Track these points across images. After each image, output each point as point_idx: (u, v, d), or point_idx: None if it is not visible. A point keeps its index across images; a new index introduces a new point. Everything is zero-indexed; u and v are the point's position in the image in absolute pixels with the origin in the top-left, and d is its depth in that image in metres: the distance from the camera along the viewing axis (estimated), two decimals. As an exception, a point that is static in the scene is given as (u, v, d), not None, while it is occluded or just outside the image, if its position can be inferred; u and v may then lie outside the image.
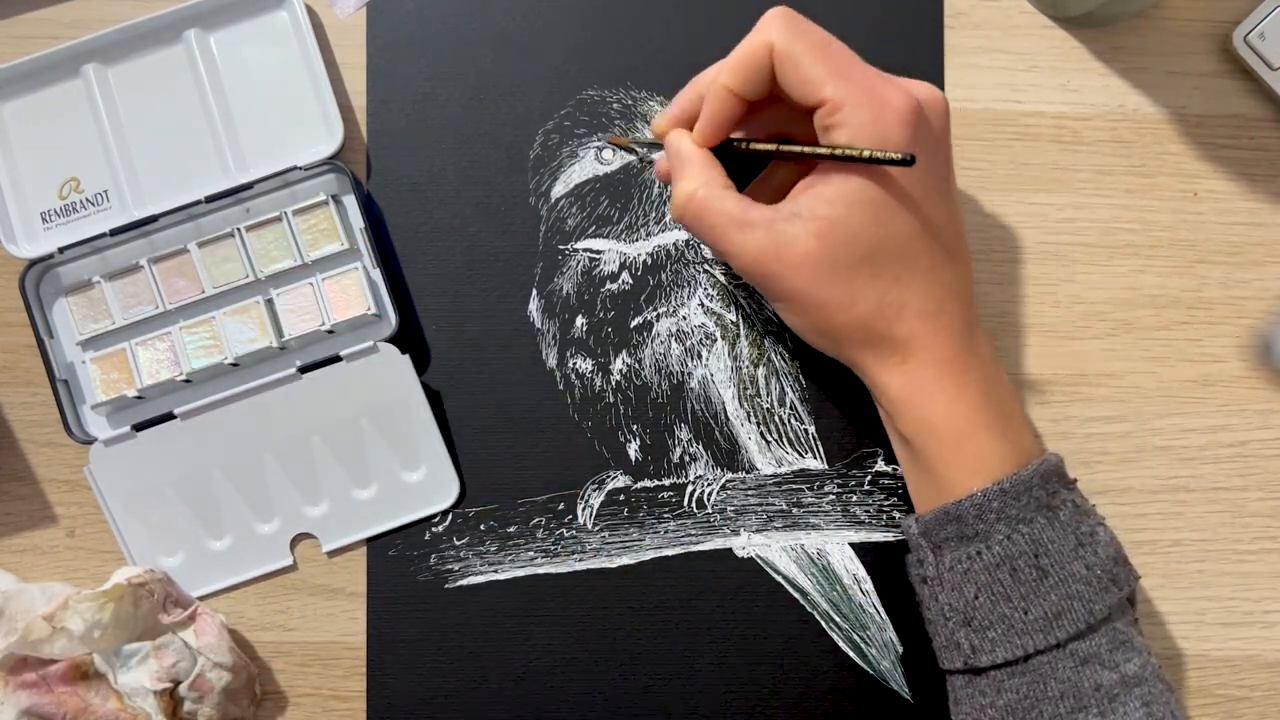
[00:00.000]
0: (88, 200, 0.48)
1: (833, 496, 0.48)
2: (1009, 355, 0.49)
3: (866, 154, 0.38)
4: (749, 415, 0.49)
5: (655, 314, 0.49)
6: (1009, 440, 0.41)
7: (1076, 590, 0.39)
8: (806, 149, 0.40)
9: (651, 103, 0.49)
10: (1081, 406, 0.49)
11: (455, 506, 0.49)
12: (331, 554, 0.49)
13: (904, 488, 0.48)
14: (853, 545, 0.48)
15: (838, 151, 0.39)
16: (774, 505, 0.48)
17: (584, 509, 0.49)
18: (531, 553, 0.48)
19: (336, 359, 0.48)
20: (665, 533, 0.49)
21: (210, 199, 0.48)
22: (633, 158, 0.49)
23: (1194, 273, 0.49)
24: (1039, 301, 0.49)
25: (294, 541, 0.49)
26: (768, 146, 0.42)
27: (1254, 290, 0.49)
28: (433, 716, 0.48)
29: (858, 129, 0.38)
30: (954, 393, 0.40)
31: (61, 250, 0.48)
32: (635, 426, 0.49)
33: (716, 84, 0.41)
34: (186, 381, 0.48)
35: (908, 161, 0.38)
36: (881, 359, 0.41)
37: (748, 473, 0.49)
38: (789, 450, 0.49)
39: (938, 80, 0.49)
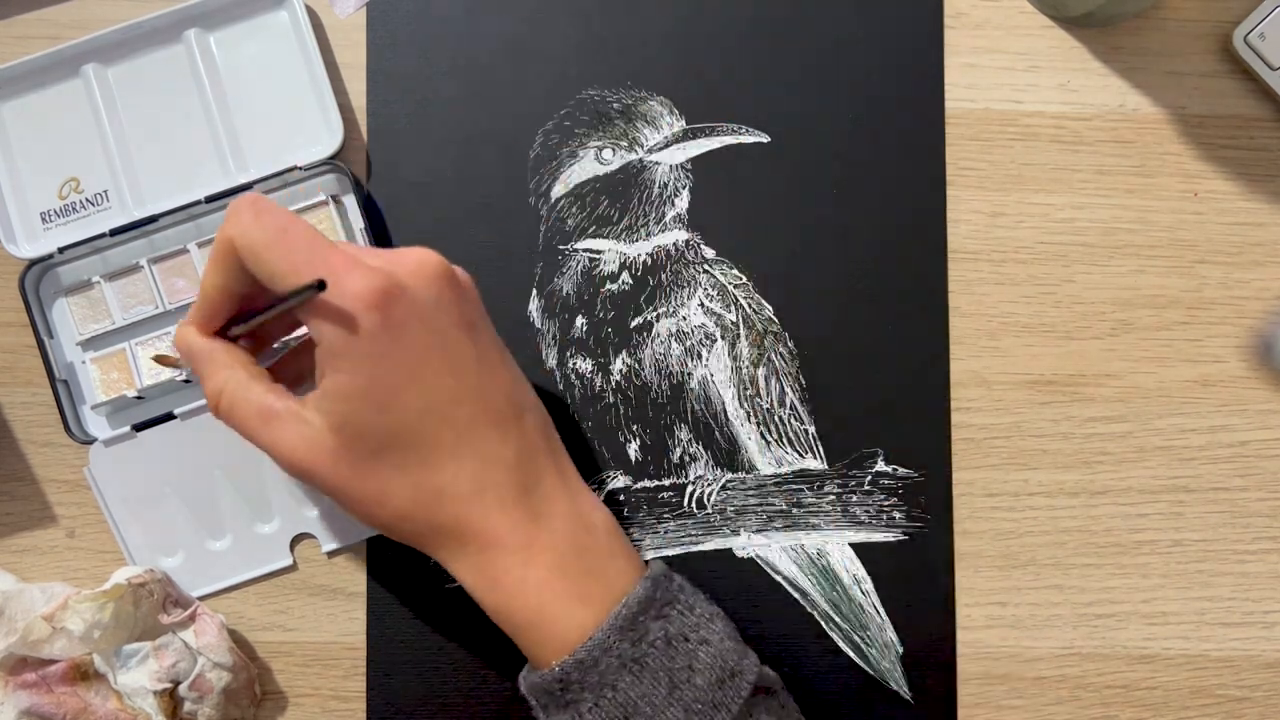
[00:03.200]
0: (88, 200, 0.48)
1: (833, 496, 0.48)
2: (1009, 355, 0.49)
3: (280, 299, 0.37)
4: (749, 415, 0.49)
5: (655, 314, 0.49)
6: (593, 604, 0.39)
7: None
8: (259, 317, 0.40)
9: (651, 102, 0.49)
10: (1081, 406, 0.49)
11: (455, 506, 0.48)
12: (331, 554, 0.49)
13: (904, 488, 0.48)
14: (853, 545, 0.48)
15: (258, 312, 0.38)
16: (774, 505, 0.48)
17: (584, 509, 0.49)
18: (531, 553, 0.48)
19: (336, 359, 0.48)
20: (665, 533, 0.49)
21: (210, 199, 0.48)
22: (633, 157, 0.49)
23: (1194, 273, 0.49)
24: (1039, 301, 0.49)
25: (294, 541, 0.49)
26: (241, 329, 0.41)
27: (1254, 290, 0.49)
28: (433, 716, 0.48)
29: (324, 321, 0.37)
30: (519, 573, 0.39)
31: (61, 250, 0.48)
32: (635, 426, 0.49)
33: (202, 282, 0.40)
34: (186, 381, 0.48)
35: (315, 287, 0.35)
36: (444, 548, 0.40)
37: (748, 473, 0.49)
38: (789, 450, 0.49)
39: (937, 80, 0.49)
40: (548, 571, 0.39)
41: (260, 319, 0.40)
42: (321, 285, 0.36)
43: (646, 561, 0.42)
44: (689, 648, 0.39)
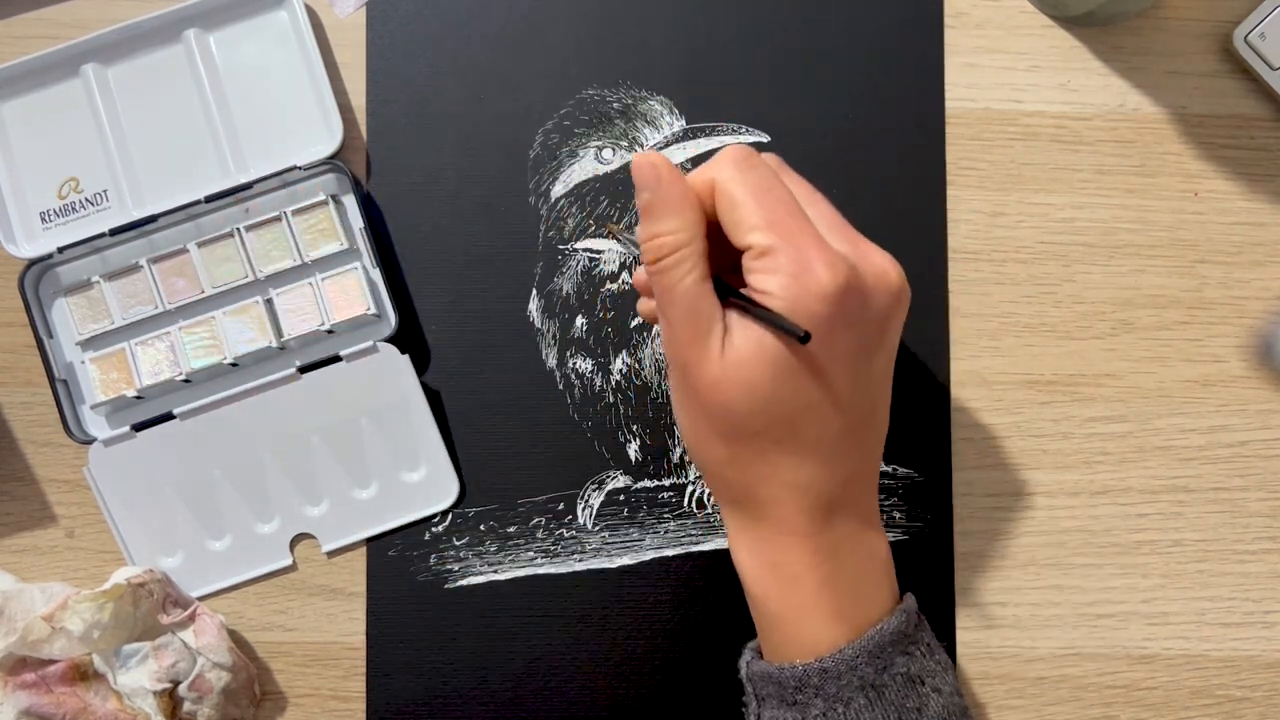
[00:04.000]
0: (87, 200, 0.48)
1: (833, 496, 0.48)
2: (1009, 355, 0.49)
3: (769, 315, 0.37)
4: (749, 415, 0.48)
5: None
6: (847, 621, 0.39)
7: None
8: (744, 297, 0.39)
9: (651, 102, 0.49)
10: (1081, 406, 0.49)
11: (455, 507, 0.49)
12: (331, 554, 0.49)
13: (904, 488, 0.48)
14: (853, 545, 0.48)
15: (748, 303, 0.37)
16: (774, 505, 0.48)
17: (584, 509, 0.49)
18: (531, 553, 0.48)
19: (336, 359, 0.48)
20: (665, 533, 0.49)
21: (210, 199, 0.48)
22: (633, 157, 0.49)
23: (1194, 273, 0.49)
24: (1039, 301, 0.49)
25: (294, 541, 0.49)
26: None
27: (1254, 290, 0.49)
28: (433, 716, 0.48)
29: (777, 281, 0.36)
30: (796, 570, 0.39)
31: (61, 250, 0.48)
32: (635, 426, 0.49)
33: (652, 227, 0.39)
34: (186, 381, 0.48)
35: (800, 336, 0.36)
36: (742, 513, 0.40)
37: (748, 473, 0.48)
38: (789, 450, 0.49)
39: (937, 80, 0.49)
40: (822, 580, 0.39)
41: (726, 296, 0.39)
42: (806, 338, 0.36)
43: (901, 595, 0.42)
44: (923, 691, 0.39)
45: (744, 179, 0.38)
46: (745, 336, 0.37)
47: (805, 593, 0.39)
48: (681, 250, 0.38)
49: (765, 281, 0.37)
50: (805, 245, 0.37)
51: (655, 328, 0.49)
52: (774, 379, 0.37)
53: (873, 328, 0.38)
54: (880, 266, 0.38)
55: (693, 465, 0.49)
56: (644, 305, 0.44)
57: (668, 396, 0.49)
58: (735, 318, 0.37)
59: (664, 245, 0.38)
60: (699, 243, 0.38)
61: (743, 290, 0.38)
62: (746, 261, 0.37)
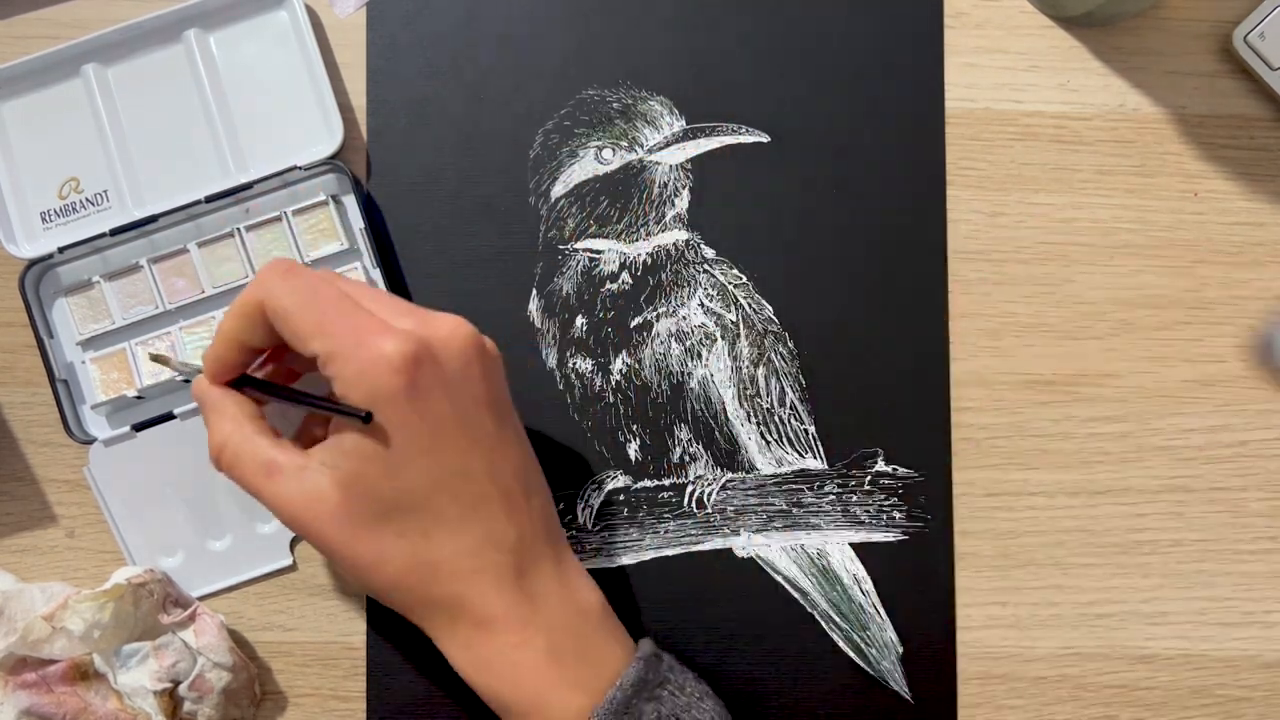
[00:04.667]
0: (87, 200, 0.48)
1: (833, 496, 0.48)
2: (1009, 355, 0.49)
3: (333, 405, 0.37)
4: (749, 415, 0.49)
5: (655, 314, 0.49)
6: (586, 689, 0.39)
7: None
8: (298, 394, 0.40)
9: (651, 102, 0.49)
10: (1081, 406, 0.49)
11: (455, 506, 0.48)
12: (331, 554, 0.49)
13: (904, 488, 0.48)
14: (853, 545, 0.48)
15: (319, 402, 0.38)
16: (774, 505, 0.48)
17: (584, 509, 0.49)
18: (531, 553, 0.48)
19: (336, 359, 0.48)
20: (665, 533, 0.49)
21: (210, 199, 0.48)
22: (633, 157, 0.49)
23: (1194, 273, 0.49)
24: (1039, 301, 0.49)
25: (294, 541, 0.49)
26: (256, 394, 0.41)
27: (1254, 290, 0.49)
28: (433, 716, 0.48)
29: (348, 383, 0.37)
30: (513, 656, 0.39)
31: (61, 250, 0.48)
32: (635, 426, 0.49)
33: (219, 327, 0.40)
34: (186, 381, 0.48)
35: (363, 417, 0.36)
36: (435, 622, 0.39)
37: (748, 473, 0.49)
38: (789, 450, 0.49)
39: (937, 80, 0.49)
40: (542, 656, 0.39)
41: (287, 397, 0.41)
42: (368, 417, 0.36)
43: (637, 641, 0.42)
44: None
45: (288, 290, 0.38)
46: (344, 455, 0.38)
47: (530, 674, 0.38)
48: (229, 451, 0.39)
49: (340, 385, 0.37)
50: (363, 332, 0.37)
51: (656, 328, 0.49)
52: (387, 473, 0.38)
53: (464, 389, 0.39)
54: (447, 327, 0.39)
55: (747, 510, 0.49)
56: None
57: (668, 396, 0.49)
58: (323, 452, 0.38)
59: (225, 449, 0.40)
60: (245, 425, 0.40)
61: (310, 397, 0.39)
62: (321, 370, 0.38)
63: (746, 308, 0.49)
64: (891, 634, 0.48)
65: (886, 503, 0.48)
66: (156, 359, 0.45)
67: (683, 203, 0.49)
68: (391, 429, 0.37)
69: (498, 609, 0.39)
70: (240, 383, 0.41)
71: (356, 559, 0.38)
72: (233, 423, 0.40)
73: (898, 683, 0.48)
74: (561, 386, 0.49)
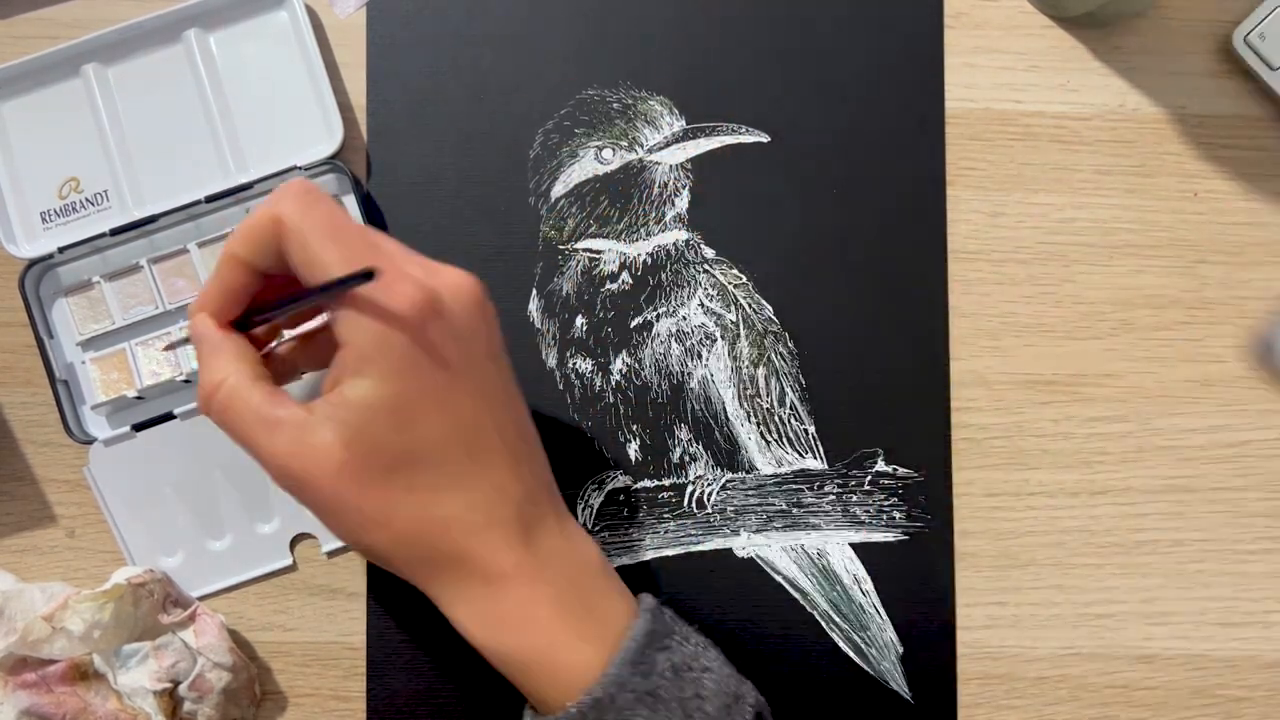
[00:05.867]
0: (87, 200, 0.48)
1: (833, 496, 0.48)
2: (1009, 355, 0.49)
3: (338, 281, 0.35)
4: (749, 415, 0.49)
5: (655, 314, 0.49)
6: (595, 641, 0.38)
7: None
8: (293, 305, 0.37)
9: (651, 102, 0.49)
10: (1081, 406, 0.49)
11: (455, 506, 0.48)
12: (331, 554, 0.49)
13: (904, 488, 0.48)
14: (853, 545, 0.48)
15: (325, 287, 0.36)
16: (774, 505, 0.48)
17: (584, 509, 0.49)
18: (531, 553, 0.48)
19: (336, 359, 0.48)
20: (665, 533, 0.49)
21: (210, 199, 0.48)
22: (633, 157, 0.49)
23: (1194, 273, 0.49)
24: (1039, 301, 0.49)
25: (294, 541, 0.49)
26: (268, 317, 0.39)
27: (1254, 290, 0.49)
28: (432, 716, 0.48)
29: (359, 321, 0.35)
30: (521, 612, 0.38)
31: (61, 250, 0.48)
32: (635, 426, 0.49)
33: (225, 250, 0.38)
34: (186, 381, 0.48)
35: (367, 275, 0.34)
36: (441, 580, 0.38)
37: (748, 473, 0.49)
38: (789, 450, 0.49)
39: (937, 80, 0.49)
40: (551, 609, 0.38)
41: (294, 308, 0.38)
42: (370, 275, 0.34)
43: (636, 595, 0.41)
44: (694, 676, 0.38)
45: (310, 214, 0.36)
46: (349, 408, 0.36)
47: (542, 629, 0.38)
48: (224, 391, 0.37)
49: (348, 321, 0.36)
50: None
51: (656, 328, 0.49)
52: (397, 426, 0.36)
53: (472, 342, 0.38)
54: (454, 278, 0.38)
55: (746, 510, 0.49)
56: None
57: (668, 396, 0.49)
58: (327, 405, 0.36)
59: (218, 390, 0.37)
60: (241, 367, 0.37)
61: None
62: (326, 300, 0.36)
63: (746, 308, 0.49)
64: (891, 634, 0.48)
65: (886, 503, 0.48)
66: (171, 348, 0.44)
67: (683, 203, 0.49)
68: (404, 378, 0.36)
69: (507, 564, 0.38)
70: (241, 324, 0.39)
71: (361, 515, 0.37)
72: (232, 364, 0.37)
73: (898, 683, 0.48)
74: (561, 386, 0.49)
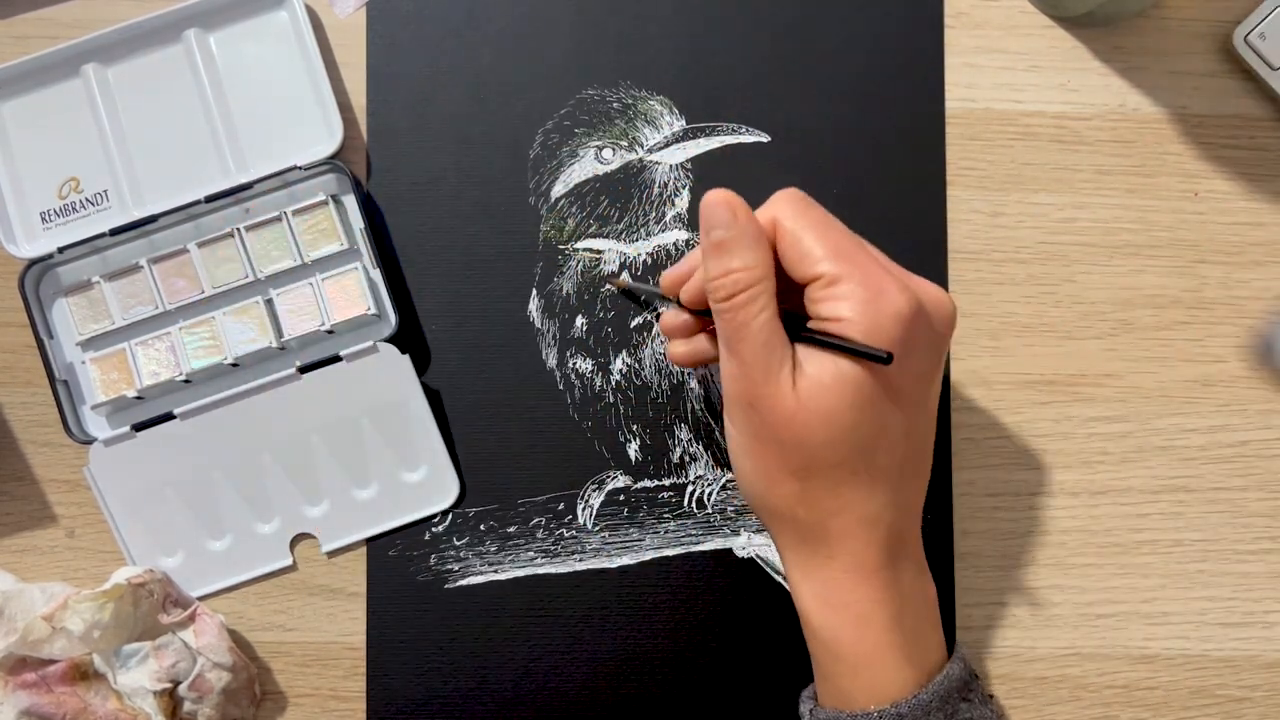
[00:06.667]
0: (87, 200, 0.48)
1: (833, 496, 0.48)
2: (1009, 355, 0.49)
3: (847, 342, 0.37)
4: (749, 415, 0.48)
5: (655, 314, 0.49)
6: (915, 665, 0.40)
7: None
8: (812, 325, 0.39)
9: (651, 102, 0.49)
10: (1081, 406, 0.49)
11: (455, 507, 0.49)
12: (331, 554, 0.49)
13: (904, 488, 0.48)
14: (853, 545, 0.48)
15: (829, 335, 0.37)
16: (774, 505, 0.48)
17: (584, 509, 0.49)
18: (531, 553, 0.48)
19: (336, 359, 0.48)
20: (665, 533, 0.49)
21: (210, 199, 0.48)
22: (633, 157, 0.49)
23: (1194, 273, 0.49)
24: (1039, 301, 0.49)
25: (294, 541, 0.49)
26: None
27: (1254, 290, 0.49)
28: (433, 716, 0.48)
29: (852, 306, 0.37)
30: (866, 609, 0.39)
31: (61, 250, 0.48)
32: (635, 426, 0.49)
33: (720, 248, 0.39)
34: (186, 381, 0.48)
35: (884, 359, 0.36)
36: (805, 550, 0.40)
37: (748, 473, 0.48)
38: (789, 450, 0.49)
39: (937, 80, 0.49)
40: (892, 619, 0.39)
41: (812, 335, 0.39)
42: (889, 358, 0.36)
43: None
44: None
45: (805, 215, 0.39)
46: (820, 368, 0.37)
47: (876, 634, 0.39)
48: (756, 286, 0.38)
49: (838, 308, 0.37)
50: (873, 272, 0.37)
51: (656, 328, 0.49)
52: (853, 406, 0.37)
53: (934, 354, 0.39)
54: (937, 295, 0.39)
55: (750, 510, 0.48)
56: (678, 349, 0.44)
57: (668, 396, 0.49)
58: (804, 351, 0.38)
59: (739, 281, 0.38)
60: (771, 280, 0.38)
61: (811, 322, 0.38)
62: (814, 292, 0.38)
63: (746, 308, 0.49)
64: (892, 634, 0.48)
65: (886, 503, 0.48)
66: (614, 283, 0.46)
67: (683, 203, 0.49)
68: (876, 370, 0.37)
69: (872, 564, 0.39)
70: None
71: (785, 458, 0.38)
72: (770, 266, 0.38)
73: (898, 683, 0.48)
74: (561, 386, 0.49)
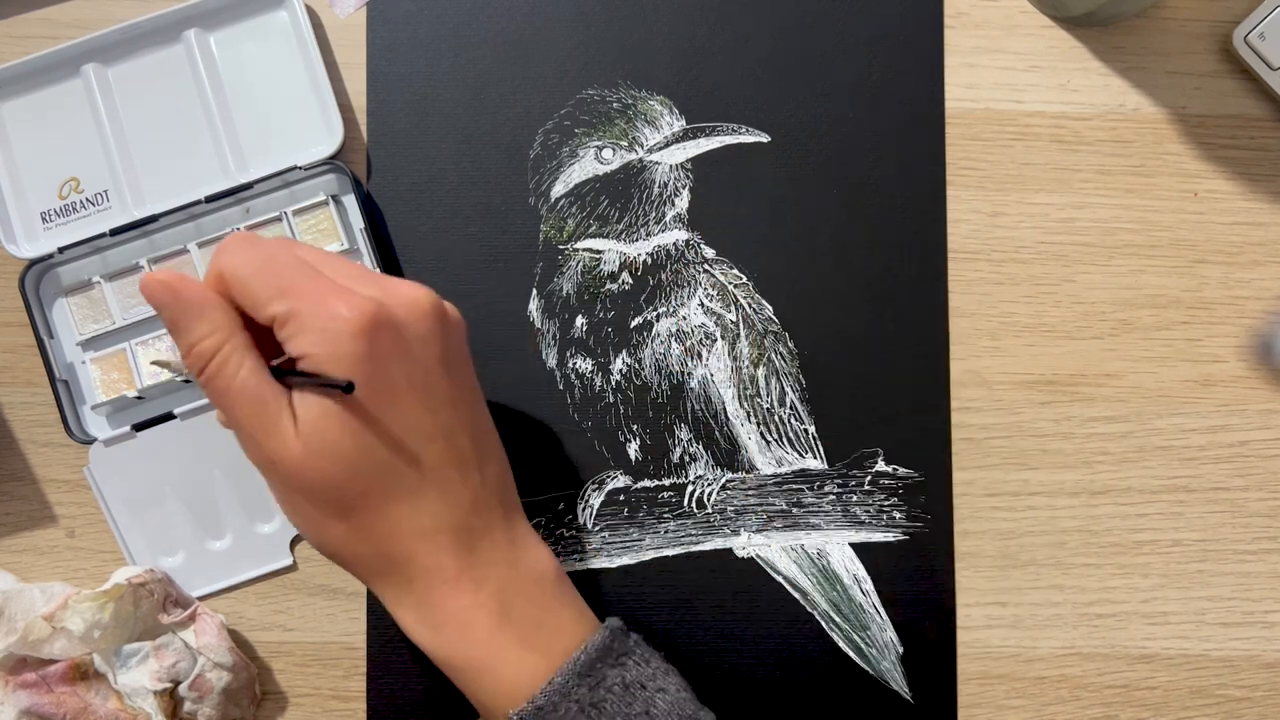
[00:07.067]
0: (88, 200, 0.48)
1: (833, 496, 0.48)
2: (1009, 355, 0.49)
3: (310, 378, 0.36)
4: (749, 415, 0.49)
5: (655, 314, 0.49)
6: (541, 651, 0.39)
7: None
8: (282, 365, 0.38)
9: (651, 102, 0.49)
10: (1081, 406, 0.49)
11: (455, 506, 0.48)
12: (331, 554, 0.49)
13: (904, 488, 0.48)
14: (853, 545, 0.48)
15: (290, 372, 0.37)
16: (774, 505, 0.48)
17: (584, 509, 0.49)
18: (531, 553, 0.48)
19: (336, 359, 0.48)
20: (665, 533, 0.49)
21: (210, 199, 0.48)
22: (633, 157, 0.49)
23: (1194, 273, 0.49)
24: (1039, 301, 0.49)
25: (294, 541, 0.49)
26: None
27: (1254, 290, 0.49)
28: (432, 717, 0.48)
29: (310, 338, 0.36)
30: (466, 617, 0.38)
31: (61, 250, 0.48)
32: (635, 426, 0.49)
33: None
34: (186, 381, 0.48)
35: (343, 387, 0.36)
36: (388, 582, 0.39)
37: (748, 473, 0.49)
38: (789, 450, 0.49)
39: (937, 80, 0.49)
40: (495, 617, 0.39)
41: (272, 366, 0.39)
42: (350, 387, 0.36)
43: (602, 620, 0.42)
44: (646, 694, 0.39)
45: (247, 259, 0.37)
46: (308, 408, 0.37)
47: (485, 636, 0.38)
48: (222, 350, 0.37)
49: (300, 344, 0.36)
50: (322, 296, 0.36)
51: (655, 328, 0.49)
52: (353, 433, 0.37)
53: (424, 353, 0.38)
54: (409, 295, 0.38)
55: (749, 510, 0.49)
56: (219, 415, 0.41)
57: (668, 396, 0.49)
58: (297, 395, 0.37)
59: (204, 351, 0.37)
60: (239, 335, 0.38)
61: (278, 362, 0.38)
62: (277, 332, 0.37)
63: (746, 308, 0.49)
64: (891, 634, 0.48)
65: (886, 503, 0.48)
66: (160, 365, 0.45)
67: (683, 203, 0.49)
68: (360, 394, 0.37)
69: (452, 570, 0.38)
70: None
71: (316, 511, 0.38)
72: (231, 324, 0.38)
73: (898, 683, 0.48)
74: (561, 386, 0.49)
